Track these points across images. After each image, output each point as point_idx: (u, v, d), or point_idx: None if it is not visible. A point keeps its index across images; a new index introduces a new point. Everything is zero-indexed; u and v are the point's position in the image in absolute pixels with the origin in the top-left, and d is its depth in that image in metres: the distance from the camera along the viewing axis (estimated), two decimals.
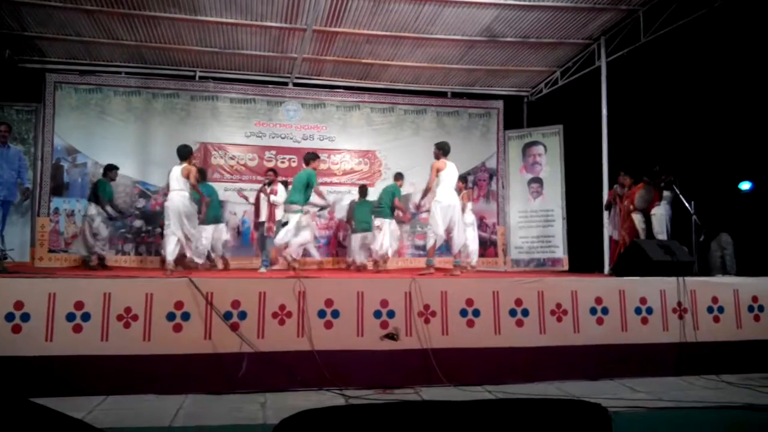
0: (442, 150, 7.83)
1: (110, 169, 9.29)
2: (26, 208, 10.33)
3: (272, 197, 8.91)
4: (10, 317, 4.64)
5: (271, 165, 10.96)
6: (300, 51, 10.38)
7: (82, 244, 9.32)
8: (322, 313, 5.09)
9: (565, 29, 9.79)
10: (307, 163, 7.75)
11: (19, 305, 4.66)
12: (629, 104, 9.90)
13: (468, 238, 9.54)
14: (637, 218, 9.01)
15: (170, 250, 7.24)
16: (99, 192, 9.12)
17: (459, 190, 10.26)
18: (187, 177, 7.44)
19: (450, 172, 7.71)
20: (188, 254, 7.63)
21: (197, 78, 11.32)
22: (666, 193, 8.54)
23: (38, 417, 0.85)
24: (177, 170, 7.46)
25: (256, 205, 9.38)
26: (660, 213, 8.69)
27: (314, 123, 11.66)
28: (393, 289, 5.32)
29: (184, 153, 7.66)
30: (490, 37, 9.92)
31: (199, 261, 8.47)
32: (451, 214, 7.65)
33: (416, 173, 10.93)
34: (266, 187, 9.14)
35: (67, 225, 10.40)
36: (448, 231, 7.67)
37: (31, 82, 10.73)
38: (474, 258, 9.76)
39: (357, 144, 11.79)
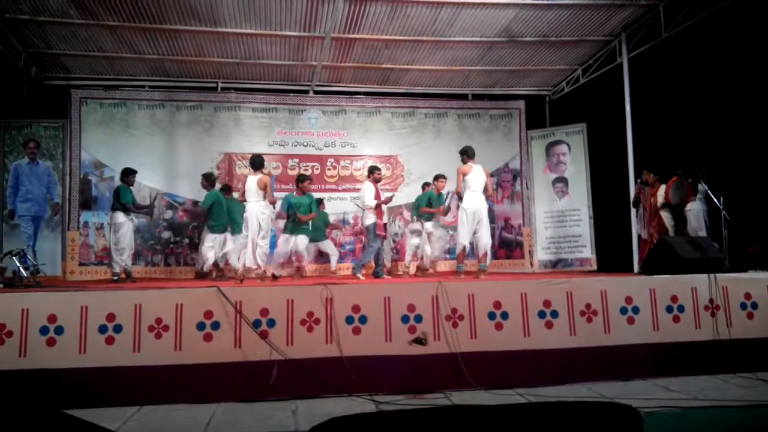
0: (466, 154, 7.85)
1: (128, 174, 8.98)
2: (56, 223, 10.56)
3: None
4: (44, 330, 4.74)
5: (294, 173, 11.03)
6: (319, 59, 10.44)
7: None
8: (349, 319, 5.11)
9: (584, 27, 9.71)
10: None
11: (52, 318, 4.76)
12: (653, 100, 9.77)
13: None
14: (666, 215, 8.88)
15: (250, 258, 7.59)
16: (122, 198, 8.75)
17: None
18: (264, 188, 7.63)
19: (476, 175, 7.69)
20: (248, 263, 7.71)
21: (219, 89, 11.44)
22: (701, 188, 8.38)
23: (71, 429, 0.87)
24: (253, 181, 7.64)
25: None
26: (696, 208, 8.52)
27: (336, 129, 11.72)
28: (420, 293, 5.32)
29: (258, 163, 7.83)
30: (509, 37, 9.87)
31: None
32: (478, 218, 7.63)
33: None
34: None
35: (97, 238, 10.58)
36: (474, 234, 7.66)
37: (58, 99, 10.95)
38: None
39: (379, 149, 11.80)
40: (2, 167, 10.19)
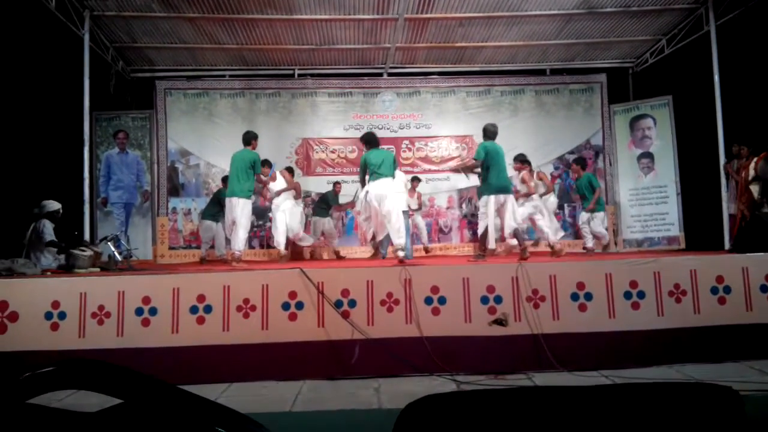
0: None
1: None
2: (146, 209, 11.09)
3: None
4: (139, 312, 5.01)
5: None
6: (393, 41, 10.41)
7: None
8: (428, 300, 5.14)
9: None
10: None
11: (147, 300, 5.03)
12: (743, 69, 9.22)
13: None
14: (755, 189, 8.40)
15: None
16: None
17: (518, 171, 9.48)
18: None
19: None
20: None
21: (296, 76, 11.63)
22: None
23: (191, 403, 0.92)
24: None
25: None
26: None
27: (410, 111, 11.69)
28: (499, 274, 5.28)
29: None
30: (589, 8, 9.52)
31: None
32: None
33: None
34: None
35: (185, 223, 11.04)
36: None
37: (143, 90, 11.50)
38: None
39: (454, 129, 11.69)
40: (94, 157, 10.76)
